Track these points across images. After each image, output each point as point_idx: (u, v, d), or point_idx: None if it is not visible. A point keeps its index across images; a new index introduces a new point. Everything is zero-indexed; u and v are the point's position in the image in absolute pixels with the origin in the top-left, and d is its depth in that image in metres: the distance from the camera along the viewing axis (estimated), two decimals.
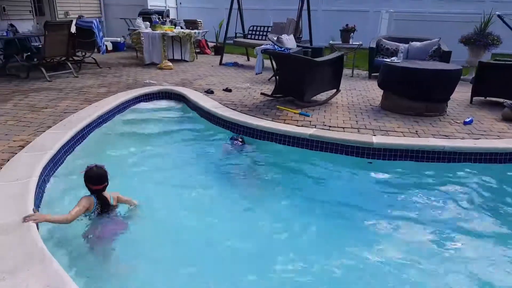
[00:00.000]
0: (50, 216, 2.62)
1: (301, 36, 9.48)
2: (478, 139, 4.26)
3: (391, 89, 5.27)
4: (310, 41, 9.47)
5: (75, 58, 8.64)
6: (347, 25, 8.25)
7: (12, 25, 8.95)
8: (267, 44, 6.28)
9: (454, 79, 5.02)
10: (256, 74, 6.31)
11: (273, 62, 5.70)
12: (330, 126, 4.61)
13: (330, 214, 3.30)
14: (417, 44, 7.45)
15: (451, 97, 5.31)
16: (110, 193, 3.01)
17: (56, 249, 2.50)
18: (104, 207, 2.87)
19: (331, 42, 8.51)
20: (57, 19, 10.80)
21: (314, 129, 4.46)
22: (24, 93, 6.12)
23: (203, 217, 3.21)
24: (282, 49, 5.68)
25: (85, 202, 2.77)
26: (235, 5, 10.14)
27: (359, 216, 3.28)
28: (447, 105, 5.28)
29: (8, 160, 3.50)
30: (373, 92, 6.68)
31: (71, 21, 7.90)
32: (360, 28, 12.61)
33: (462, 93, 6.33)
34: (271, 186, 3.86)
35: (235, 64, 9.74)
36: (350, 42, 8.24)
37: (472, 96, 5.95)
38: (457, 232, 3.04)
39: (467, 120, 4.83)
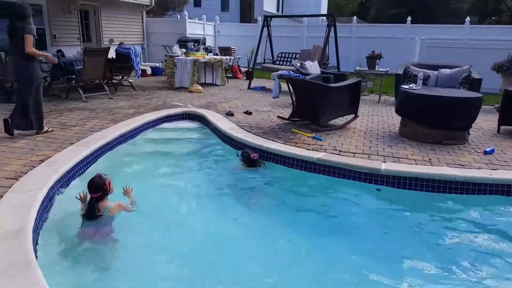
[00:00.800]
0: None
1: (328, 62, 9.52)
2: (496, 169, 3.99)
3: (408, 116, 5.12)
4: (338, 67, 9.49)
5: (113, 81, 9.20)
6: (373, 52, 8.22)
7: (60, 51, 9.77)
8: (283, 70, 6.36)
9: (474, 107, 4.79)
10: (273, 98, 6.41)
11: (290, 87, 5.75)
12: (340, 151, 4.54)
13: (334, 240, 3.22)
14: (447, 71, 7.23)
15: (477, 125, 5.05)
16: (111, 202, 3.18)
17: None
18: (88, 213, 3.08)
19: (357, 68, 8.48)
20: (102, 46, 11.60)
21: (323, 153, 4.40)
22: (60, 112, 6.56)
23: (207, 231, 3.28)
24: (297, 75, 5.74)
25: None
26: (266, 33, 10.45)
27: (363, 244, 3.15)
28: (468, 134, 5.03)
29: (26, 173, 3.75)
30: (395, 118, 6.51)
31: (109, 48, 8.47)
32: (394, 55, 12.56)
33: (490, 121, 6.00)
34: (276, 208, 3.82)
35: (263, 89, 9.91)
36: (376, 69, 8.15)
37: (499, 125, 5.63)
38: (465, 263, 2.84)
39: (488, 149, 4.55)
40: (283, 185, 4.20)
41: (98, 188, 3.09)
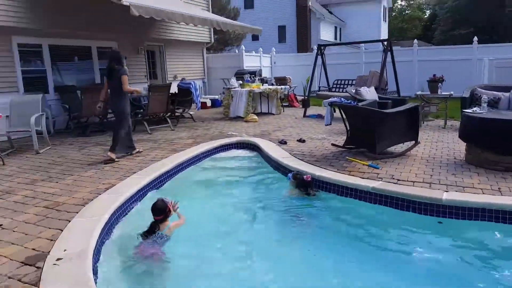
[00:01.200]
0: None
1: (386, 87, 9.27)
2: None
3: (473, 141, 4.74)
4: (398, 92, 9.19)
5: (175, 114, 9.76)
6: (434, 75, 7.86)
7: None
8: (335, 97, 6.31)
9: None
10: (326, 125, 6.33)
11: (343, 114, 5.66)
12: (398, 180, 4.31)
13: (388, 276, 3.02)
14: None
15: None
16: (170, 222, 3.46)
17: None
18: (148, 233, 3.35)
19: (418, 92, 8.15)
20: (167, 82, 12.42)
21: (379, 182, 4.21)
22: None
23: (255, 256, 3.31)
24: (349, 101, 5.65)
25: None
26: (320, 61, 10.51)
27: (420, 282, 2.92)
28: None
29: (92, 200, 4.06)
30: (461, 145, 6.05)
31: (170, 84, 9.10)
32: (461, 78, 11.92)
33: None
34: (327, 238, 3.70)
35: (318, 116, 9.85)
36: (439, 92, 7.76)
37: None
38: None
39: None
40: (335, 215, 4.07)
41: (161, 211, 3.40)
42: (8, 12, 7.51)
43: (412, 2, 58.80)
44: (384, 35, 34.26)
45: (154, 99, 8.33)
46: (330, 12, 31.24)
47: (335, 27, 31.08)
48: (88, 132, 8.18)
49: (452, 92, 7.78)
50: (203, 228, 3.79)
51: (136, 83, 11.11)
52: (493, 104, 6.76)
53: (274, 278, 3.00)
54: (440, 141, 6.44)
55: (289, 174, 4.64)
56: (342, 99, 5.63)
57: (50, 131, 7.88)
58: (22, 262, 2.77)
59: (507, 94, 6.77)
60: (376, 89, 8.73)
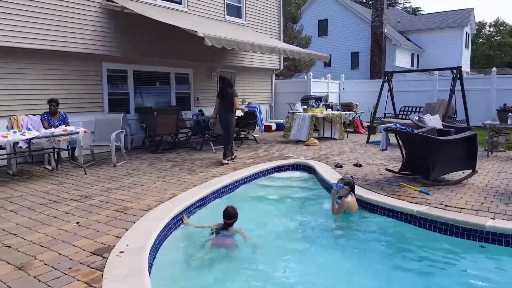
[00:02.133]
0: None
1: (455, 116, 8.90)
2: None
3: None
4: (467, 120, 8.77)
5: (240, 135, 10.35)
6: (505, 104, 7.44)
7: (200, 110, 11.57)
8: (391, 123, 6.29)
9: None
10: (381, 150, 6.34)
11: (399, 140, 5.66)
12: (446, 206, 4.23)
13: None
14: None
15: None
16: (236, 226, 3.99)
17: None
18: (219, 230, 3.99)
19: (486, 122, 7.74)
20: None
21: (425, 207, 4.18)
22: (192, 161, 7.72)
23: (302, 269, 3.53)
24: (405, 127, 5.63)
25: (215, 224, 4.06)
26: (387, 88, 10.44)
27: None
28: None
29: (156, 206, 4.61)
30: None
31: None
32: None
33: None
34: (369, 257, 3.77)
35: (388, 144, 9.70)
36: (509, 122, 7.30)
37: None
38: None
39: None
40: (379, 237, 4.12)
41: (231, 216, 3.96)
42: (100, 42, 8.71)
43: (502, 28, 54.89)
44: (466, 62, 32.38)
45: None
46: (408, 39, 30.48)
47: (412, 54, 30.17)
48: (160, 149, 9.04)
49: None
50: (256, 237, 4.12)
51: (207, 106, 12.04)
52: None
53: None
54: (503, 171, 6.07)
55: (332, 184, 4.68)
56: (397, 125, 5.64)
57: (128, 147, 8.86)
58: (91, 253, 3.31)
59: None
60: (443, 117, 8.46)
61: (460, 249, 3.63)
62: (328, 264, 3.64)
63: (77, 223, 4.06)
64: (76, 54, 8.45)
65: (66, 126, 7.02)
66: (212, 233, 4.02)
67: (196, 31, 7.34)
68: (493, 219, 3.76)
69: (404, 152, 5.66)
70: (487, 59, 49.29)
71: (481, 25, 54.82)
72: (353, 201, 4.53)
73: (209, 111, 11.55)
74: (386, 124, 5.93)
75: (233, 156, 7.66)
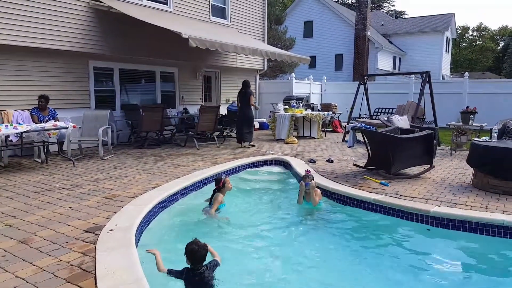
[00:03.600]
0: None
1: (424, 117, 9.55)
2: None
3: (477, 167, 5.10)
4: (435, 122, 9.43)
5: (223, 133, 10.80)
6: (467, 107, 8.11)
7: (185, 108, 11.98)
8: (356, 122, 6.86)
9: None
10: (348, 147, 6.90)
11: (365, 138, 6.23)
12: (401, 195, 4.80)
13: (379, 266, 3.64)
14: None
15: None
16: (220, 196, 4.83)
17: None
18: (211, 198, 4.87)
19: (449, 123, 8.39)
20: (220, 104, 13.63)
21: (381, 195, 4.74)
22: (176, 156, 8.13)
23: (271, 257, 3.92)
24: (369, 126, 6.20)
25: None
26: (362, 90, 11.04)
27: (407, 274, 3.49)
28: None
29: (142, 194, 5.04)
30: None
31: (219, 106, 10.17)
32: (507, 111, 11.72)
33: None
34: (332, 240, 4.29)
35: (357, 141, 10.30)
36: (470, 124, 7.96)
37: None
38: None
39: None
40: (342, 222, 4.67)
41: (218, 182, 4.89)
42: (87, 40, 9.01)
43: (484, 33, 56.65)
44: (446, 66, 33.52)
45: (203, 119, 9.38)
46: (390, 42, 31.38)
47: (394, 57, 31.08)
48: (145, 145, 9.42)
49: (484, 124, 7.94)
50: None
51: (192, 105, 12.45)
52: None
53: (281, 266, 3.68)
54: (461, 168, 6.71)
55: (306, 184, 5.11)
56: (362, 124, 6.20)
57: (114, 142, 9.20)
58: (85, 230, 3.73)
59: None
60: (412, 118, 9.09)
61: (410, 232, 4.21)
62: (297, 247, 4.11)
63: (70, 207, 4.46)
64: (64, 52, 8.76)
65: (55, 121, 7.36)
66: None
67: (181, 33, 7.74)
68: (439, 206, 4.33)
69: (369, 148, 6.22)
70: (470, 63, 50.88)
71: (464, 29, 56.48)
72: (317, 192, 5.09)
73: (193, 109, 11.97)
74: (353, 124, 6.47)
75: (251, 142, 9.55)
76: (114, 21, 9.38)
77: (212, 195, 4.95)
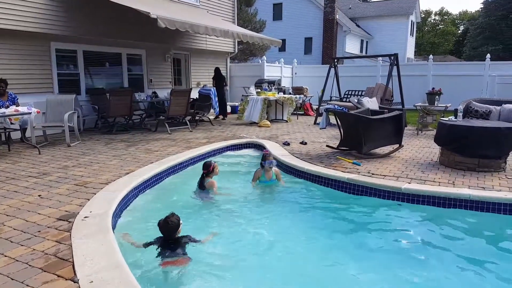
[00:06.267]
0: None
1: (392, 99, 9.81)
2: None
3: (444, 145, 5.36)
4: (402, 103, 9.72)
5: (195, 117, 10.64)
6: (433, 88, 8.39)
7: (154, 92, 11.68)
8: (329, 104, 6.97)
9: (504, 136, 4.92)
10: (320, 129, 7.01)
11: (337, 120, 6.33)
12: (373, 174, 4.96)
13: (352, 240, 3.80)
14: (510, 106, 7.12)
15: None
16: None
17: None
18: (200, 184, 4.96)
19: (416, 104, 8.67)
20: (191, 87, 13.39)
21: (355, 174, 4.88)
22: (148, 141, 7.96)
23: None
24: (341, 108, 6.31)
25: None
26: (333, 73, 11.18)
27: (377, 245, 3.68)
28: (505, 162, 5.09)
29: (115, 180, 4.91)
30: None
31: (191, 89, 9.98)
32: (471, 92, 12.25)
33: None
34: (308, 220, 4.37)
35: (329, 124, 10.48)
36: (435, 105, 8.27)
37: None
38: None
39: None
40: (317, 201, 4.80)
41: (207, 167, 4.88)
42: (48, 21, 8.52)
43: (446, 17, 58.37)
44: (411, 49, 34.41)
45: (174, 103, 9.20)
46: (358, 26, 31.77)
47: (361, 40, 31.55)
48: (114, 130, 9.14)
49: (449, 104, 8.28)
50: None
51: (161, 88, 12.16)
52: (485, 116, 7.23)
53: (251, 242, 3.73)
54: (427, 147, 7.00)
55: (269, 162, 5.22)
56: (335, 106, 6.29)
57: (80, 128, 8.85)
58: (57, 219, 3.61)
59: (498, 107, 7.23)
60: (381, 99, 9.32)
61: (382, 208, 4.39)
62: (272, 225, 4.18)
63: (39, 195, 4.29)
64: (23, 33, 8.27)
65: (16, 106, 6.98)
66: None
67: (149, 13, 7.47)
68: (409, 183, 4.51)
69: (341, 130, 6.35)
70: (432, 47, 52.46)
71: (427, 13, 57.95)
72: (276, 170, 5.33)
73: (163, 93, 11.68)
74: (326, 105, 6.56)
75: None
76: (78, 0, 8.92)
77: (200, 180, 4.98)
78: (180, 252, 3.20)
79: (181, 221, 3.32)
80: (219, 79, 11.86)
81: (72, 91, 9.24)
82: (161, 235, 3.27)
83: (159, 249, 3.21)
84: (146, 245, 3.26)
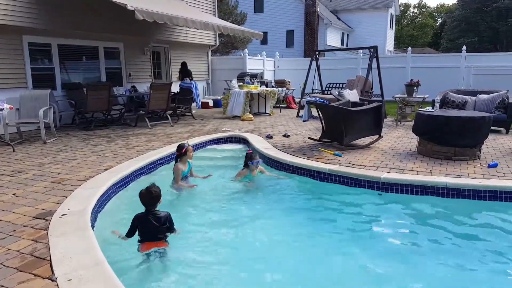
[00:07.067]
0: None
1: (372, 91, 9.91)
2: (490, 179, 4.23)
3: (421, 135, 5.49)
4: (382, 95, 9.84)
5: (177, 111, 10.50)
6: (411, 80, 8.52)
7: (133, 86, 11.47)
8: (310, 96, 7.00)
9: (478, 125, 5.07)
10: (303, 121, 7.03)
11: (319, 112, 6.36)
12: (353, 164, 5.02)
13: (333, 228, 3.87)
14: (484, 96, 7.32)
15: (500, 144, 5.22)
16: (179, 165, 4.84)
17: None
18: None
19: (395, 96, 8.80)
20: (172, 81, 13.19)
21: (336, 165, 4.93)
22: (128, 136, 7.82)
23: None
24: (323, 100, 6.35)
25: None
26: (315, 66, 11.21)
27: (360, 230, 3.76)
28: (480, 151, 5.25)
29: (93, 177, 4.81)
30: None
31: (171, 83, 9.82)
32: (447, 84, 12.52)
33: None
34: (291, 211, 4.39)
35: (311, 116, 10.52)
36: (414, 96, 8.41)
37: None
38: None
39: (492, 163, 4.82)
40: (299, 192, 4.85)
41: (180, 148, 4.92)
42: (19, 13, 8.21)
43: (424, 10, 59.23)
44: (391, 42, 34.84)
45: (154, 97, 9.04)
46: (339, 18, 31.93)
47: (342, 33, 31.74)
48: (92, 126, 8.94)
49: (427, 96, 8.43)
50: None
51: (141, 82, 11.95)
52: (461, 106, 7.40)
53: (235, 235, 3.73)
54: (406, 137, 7.14)
55: (258, 162, 5.25)
56: (317, 98, 6.32)
57: (57, 124, 8.61)
58: (33, 217, 3.50)
59: (473, 97, 7.40)
60: (361, 91, 9.41)
61: (363, 197, 4.46)
62: (253, 218, 4.18)
63: (14, 194, 4.16)
64: None
65: None
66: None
67: (126, 5, 7.30)
68: (388, 172, 4.59)
69: (323, 122, 6.38)
70: (411, 39, 53.22)
71: (406, 6, 58.68)
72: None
73: (142, 87, 11.49)
74: (307, 98, 6.58)
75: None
76: None
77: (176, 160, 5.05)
78: (162, 235, 3.27)
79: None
80: (185, 73, 12.13)
81: (47, 86, 8.97)
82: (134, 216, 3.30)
83: (139, 227, 3.25)
84: (130, 233, 3.26)
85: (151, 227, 3.19)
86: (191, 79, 12.10)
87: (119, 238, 3.34)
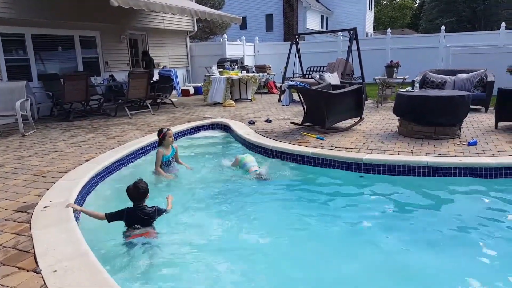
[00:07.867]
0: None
1: (352, 73, 9.98)
2: (469, 157, 4.34)
3: (402, 115, 5.57)
4: (362, 77, 9.92)
5: (157, 100, 10.36)
6: (391, 61, 8.60)
7: (111, 75, 11.21)
8: (291, 81, 7.01)
9: (458, 104, 5.17)
10: (283, 105, 7.04)
11: (300, 96, 6.38)
12: (336, 147, 5.08)
13: (317, 210, 3.91)
14: (463, 75, 7.46)
15: (479, 123, 5.35)
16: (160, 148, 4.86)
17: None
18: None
19: (376, 77, 8.88)
20: (150, 69, 12.95)
21: (319, 149, 4.98)
22: (107, 126, 7.69)
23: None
24: (303, 84, 6.37)
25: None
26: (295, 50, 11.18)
27: (344, 215, 3.79)
28: (460, 129, 5.35)
29: (74, 168, 4.73)
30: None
31: (149, 71, 9.64)
32: (427, 64, 12.71)
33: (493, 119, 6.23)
34: (275, 195, 4.43)
35: (292, 101, 10.54)
36: (394, 77, 8.51)
37: (496, 121, 5.87)
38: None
39: (471, 141, 4.90)
40: (283, 176, 4.87)
41: (159, 133, 4.93)
42: None
43: None
44: (370, 23, 34.99)
45: (133, 85, 8.88)
46: (318, 1, 31.76)
47: (322, 16, 31.65)
48: (71, 117, 8.73)
49: (407, 76, 8.54)
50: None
51: (119, 71, 11.70)
52: (441, 86, 7.53)
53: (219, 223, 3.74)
54: (387, 119, 7.25)
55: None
56: (297, 82, 6.33)
57: (34, 116, 8.37)
58: (15, 210, 3.44)
59: (452, 77, 7.54)
60: (342, 74, 9.46)
61: (346, 180, 4.51)
62: (236, 203, 4.20)
63: None
64: None
65: None
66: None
67: None
68: (370, 154, 4.67)
69: (304, 106, 6.41)
70: (390, 21, 53.49)
71: None
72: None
73: (120, 76, 11.26)
74: (288, 82, 6.58)
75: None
76: None
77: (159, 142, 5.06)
78: (148, 226, 3.31)
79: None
80: (148, 61, 12.07)
81: (23, 78, 8.70)
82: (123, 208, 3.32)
83: (126, 222, 3.28)
84: (110, 217, 3.28)
85: (138, 220, 3.28)
86: (154, 67, 12.16)
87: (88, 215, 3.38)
